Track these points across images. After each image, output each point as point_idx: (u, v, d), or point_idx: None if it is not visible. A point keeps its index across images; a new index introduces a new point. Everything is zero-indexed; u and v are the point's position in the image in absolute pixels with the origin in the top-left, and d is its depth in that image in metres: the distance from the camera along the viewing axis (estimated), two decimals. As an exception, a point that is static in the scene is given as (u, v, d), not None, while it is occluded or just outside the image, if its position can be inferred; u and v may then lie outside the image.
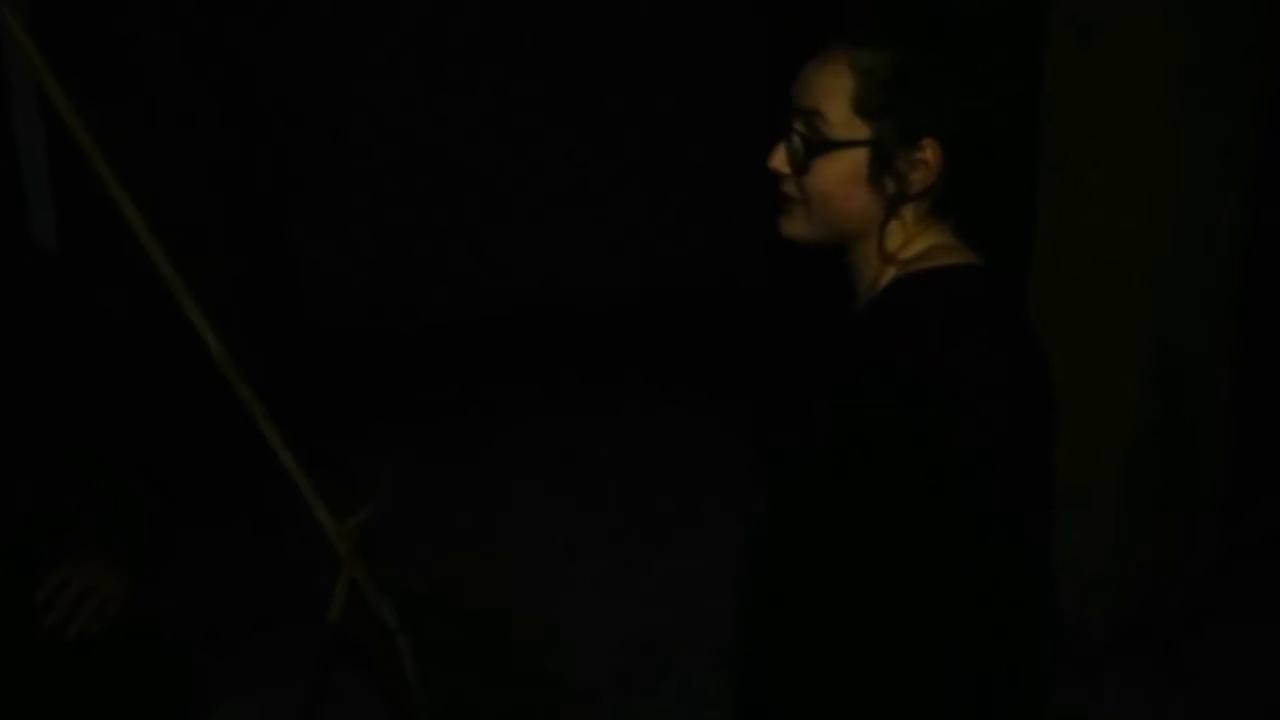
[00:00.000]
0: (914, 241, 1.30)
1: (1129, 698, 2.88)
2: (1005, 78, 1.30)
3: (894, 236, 1.30)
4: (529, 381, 5.09)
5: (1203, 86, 2.88)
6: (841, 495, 1.24)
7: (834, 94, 1.26)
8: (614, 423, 4.61)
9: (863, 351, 1.28)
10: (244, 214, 4.88)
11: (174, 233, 1.65)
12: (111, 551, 1.73)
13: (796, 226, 1.33)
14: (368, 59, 5.40)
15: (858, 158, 1.27)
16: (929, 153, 1.26)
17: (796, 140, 1.29)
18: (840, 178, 1.28)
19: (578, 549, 3.64)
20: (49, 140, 3.57)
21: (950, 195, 1.30)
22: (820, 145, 1.27)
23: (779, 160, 1.31)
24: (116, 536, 1.76)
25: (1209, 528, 3.25)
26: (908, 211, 1.29)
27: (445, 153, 5.63)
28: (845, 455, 1.23)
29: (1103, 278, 2.96)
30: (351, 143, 5.47)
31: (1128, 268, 2.93)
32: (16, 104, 3.57)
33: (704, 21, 5.91)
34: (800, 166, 1.29)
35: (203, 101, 4.49)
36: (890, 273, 1.30)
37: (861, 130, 1.26)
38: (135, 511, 1.81)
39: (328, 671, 2.76)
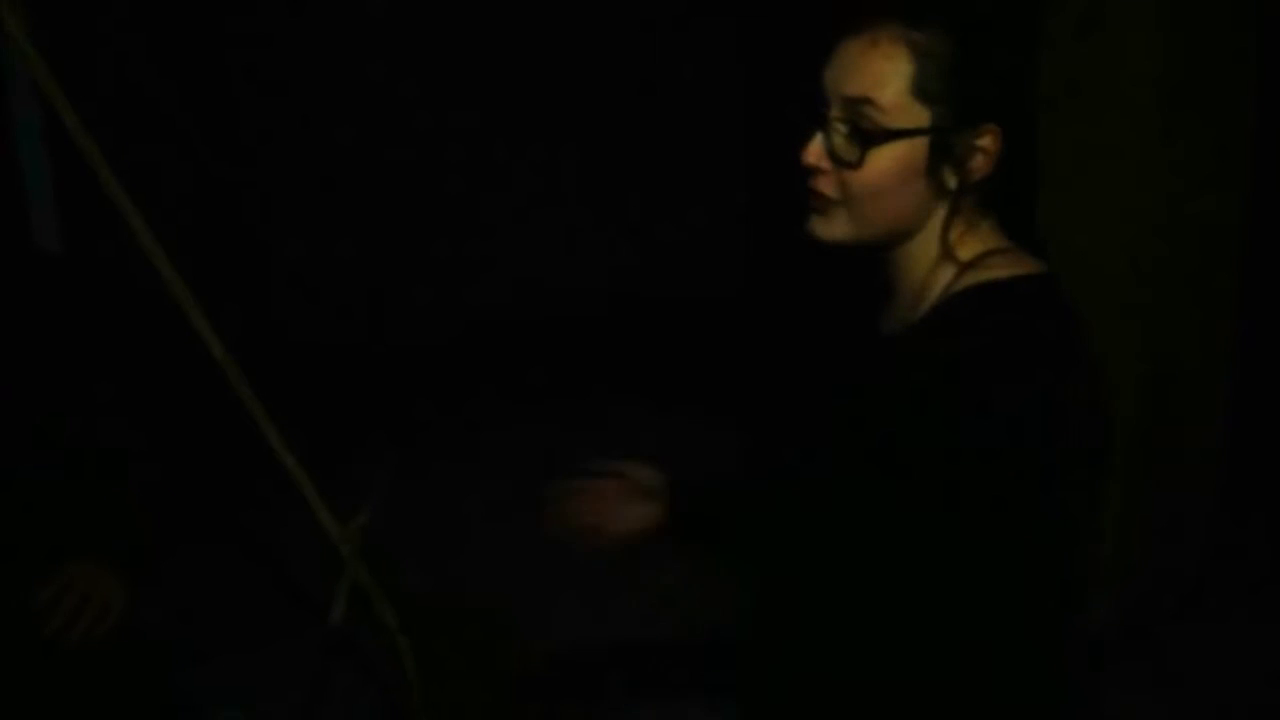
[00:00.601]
0: (968, 239, 1.21)
1: (1126, 697, 2.89)
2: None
3: (954, 232, 1.20)
4: (508, 391, 5.03)
5: (1198, 86, 2.89)
6: (895, 498, 1.16)
7: (889, 78, 1.14)
8: (597, 432, 4.55)
9: (925, 358, 1.17)
10: (217, 222, 4.86)
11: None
12: (111, 555, 1.74)
13: (836, 228, 1.20)
14: (344, 65, 5.35)
15: (915, 147, 1.15)
16: (989, 139, 1.16)
17: (842, 132, 1.16)
18: (894, 170, 1.16)
19: (570, 555, 3.62)
20: (51, 144, 3.57)
21: (997, 188, 1.20)
22: (875, 135, 1.14)
23: (816, 155, 1.18)
24: (116, 540, 1.76)
25: (1205, 528, 3.26)
26: (965, 204, 1.19)
27: (418, 166, 5.58)
28: (907, 463, 1.14)
29: (1098, 279, 2.96)
30: (325, 154, 5.42)
31: (1123, 269, 2.94)
32: (17, 106, 3.58)
33: (675, 28, 5.84)
34: (847, 161, 1.16)
35: (176, 102, 4.48)
36: (948, 271, 1.20)
37: (920, 116, 1.14)
38: (135, 515, 1.81)
39: (329, 673, 2.77)
